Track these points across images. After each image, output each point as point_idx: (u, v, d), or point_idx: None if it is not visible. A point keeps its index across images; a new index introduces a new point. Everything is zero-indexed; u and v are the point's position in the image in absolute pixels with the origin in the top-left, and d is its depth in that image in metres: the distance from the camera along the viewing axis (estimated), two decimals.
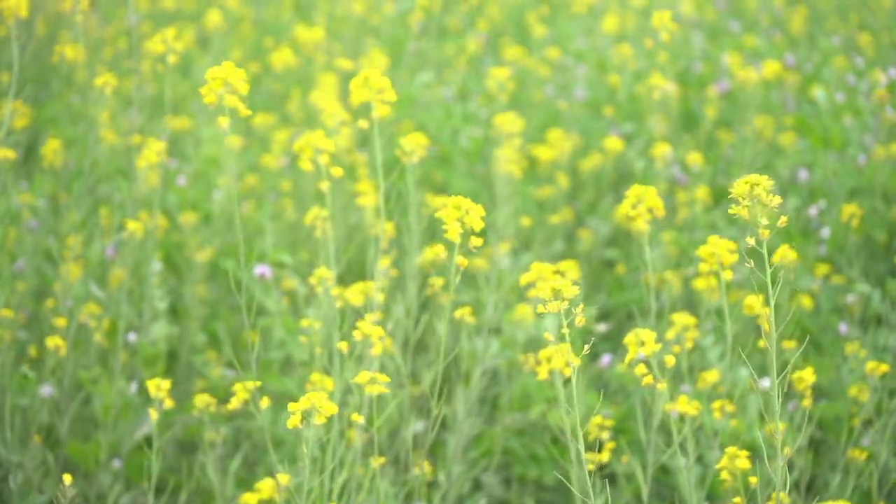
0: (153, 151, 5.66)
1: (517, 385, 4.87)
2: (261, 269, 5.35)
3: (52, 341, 4.71)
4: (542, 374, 3.32)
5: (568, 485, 3.34)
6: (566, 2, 8.75)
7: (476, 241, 3.35)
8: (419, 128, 6.55)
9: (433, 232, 5.97)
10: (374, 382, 3.51)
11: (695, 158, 5.69)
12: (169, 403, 3.93)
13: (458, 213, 3.36)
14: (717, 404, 3.99)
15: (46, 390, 4.83)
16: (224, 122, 3.53)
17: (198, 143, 6.37)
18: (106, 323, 5.13)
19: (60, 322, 4.91)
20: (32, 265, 5.33)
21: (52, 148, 5.52)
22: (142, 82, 6.37)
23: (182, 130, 6.76)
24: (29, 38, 4.57)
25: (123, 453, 4.93)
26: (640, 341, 3.49)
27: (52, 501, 4.70)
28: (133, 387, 5.06)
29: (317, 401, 3.30)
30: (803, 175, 6.10)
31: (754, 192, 3.14)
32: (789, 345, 4.50)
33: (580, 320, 3.04)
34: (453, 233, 3.36)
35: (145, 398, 5.15)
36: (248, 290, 5.62)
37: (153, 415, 3.89)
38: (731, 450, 3.52)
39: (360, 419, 3.48)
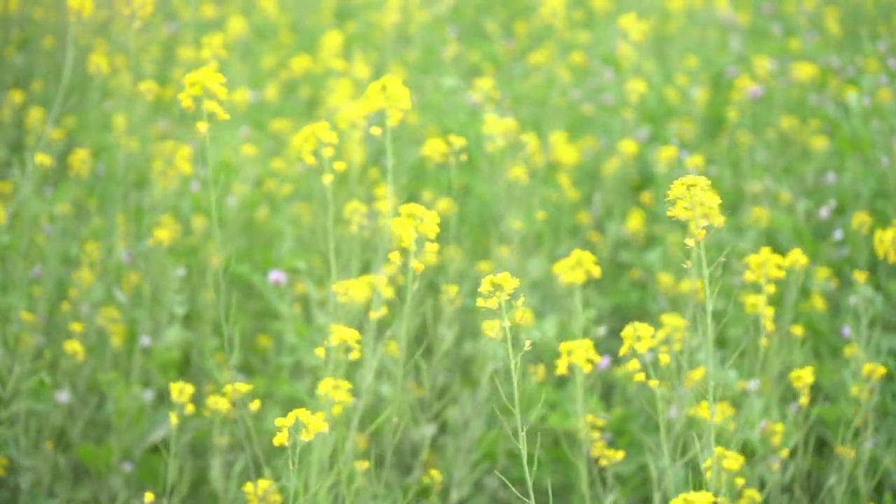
0: (183, 159, 5.72)
1: (520, 388, 4.86)
2: (275, 275, 5.37)
3: (70, 346, 4.75)
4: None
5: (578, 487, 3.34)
6: (604, 8, 8.72)
7: (432, 248, 3.40)
8: (443, 132, 6.55)
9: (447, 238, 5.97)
10: (337, 389, 3.56)
11: (694, 161, 5.66)
12: (190, 408, 3.90)
13: (412, 221, 3.41)
14: (722, 406, 3.96)
15: (63, 396, 4.88)
16: (203, 126, 3.55)
17: (218, 147, 6.40)
18: (120, 328, 5.16)
19: (77, 327, 4.95)
20: (49, 270, 5.38)
21: (79, 158, 5.59)
22: (178, 89, 6.41)
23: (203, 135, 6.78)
24: (69, 46, 4.62)
25: (136, 457, 4.96)
26: (637, 336, 3.45)
27: None
28: (148, 392, 5.09)
29: (303, 417, 3.31)
30: (829, 178, 6.05)
31: (692, 192, 3.12)
32: (796, 344, 4.47)
33: (520, 315, 3.06)
34: (408, 240, 3.42)
35: (159, 402, 5.19)
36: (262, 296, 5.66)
37: (174, 419, 3.84)
38: (718, 449, 3.47)
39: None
